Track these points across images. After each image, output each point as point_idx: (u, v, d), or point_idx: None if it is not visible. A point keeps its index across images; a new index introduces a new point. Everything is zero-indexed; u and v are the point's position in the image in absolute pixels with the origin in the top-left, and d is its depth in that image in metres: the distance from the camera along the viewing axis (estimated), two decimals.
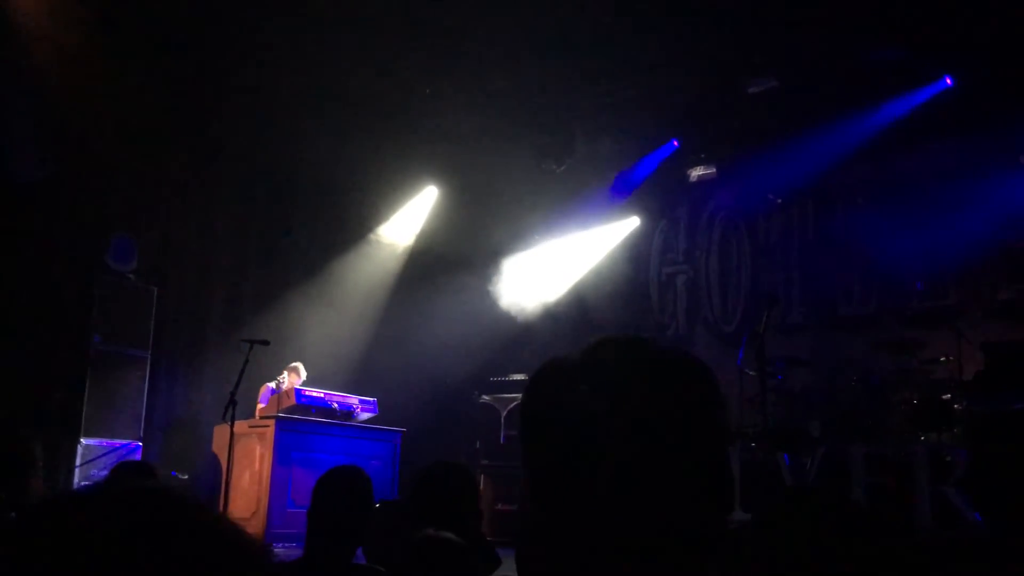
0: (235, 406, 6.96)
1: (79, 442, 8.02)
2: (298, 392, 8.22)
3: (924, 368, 7.87)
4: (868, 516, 1.58)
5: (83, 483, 7.66)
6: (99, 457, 8.07)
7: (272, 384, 8.68)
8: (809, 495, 1.75)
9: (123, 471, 3.42)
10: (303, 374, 8.79)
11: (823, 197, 9.98)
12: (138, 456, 8.23)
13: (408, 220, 11.49)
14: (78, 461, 7.96)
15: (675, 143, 10.57)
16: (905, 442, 7.41)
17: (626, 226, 11.26)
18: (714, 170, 10.69)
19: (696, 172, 10.83)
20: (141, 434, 8.56)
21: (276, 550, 6.75)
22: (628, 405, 0.94)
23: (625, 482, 0.91)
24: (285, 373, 8.69)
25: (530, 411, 1.01)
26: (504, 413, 9.72)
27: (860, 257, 9.44)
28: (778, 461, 7.51)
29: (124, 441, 8.33)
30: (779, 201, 10.21)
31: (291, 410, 8.14)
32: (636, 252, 11.31)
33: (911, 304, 9.16)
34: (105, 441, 8.20)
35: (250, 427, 7.98)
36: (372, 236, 11.32)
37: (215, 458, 8.11)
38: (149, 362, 8.78)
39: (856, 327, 9.48)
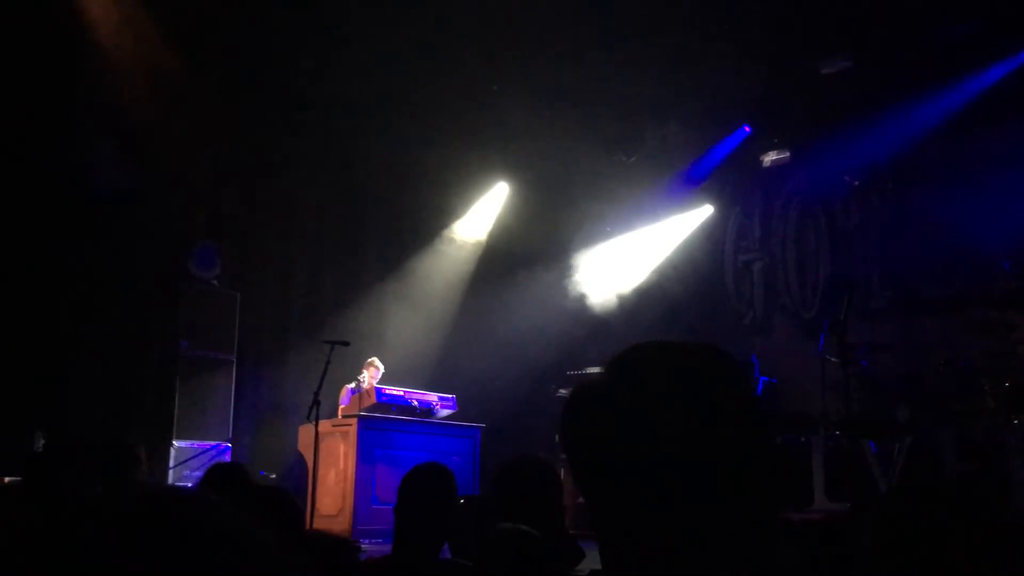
0: (319, 406, 7.11)
1: (171, 444, 8.30)
2: (378, 391, 8.35)
3: (1015, 349, 7.61)
4: (967, 503, 1.55)
5: (177, 484, 7.92)
6: (191, 459, 8.33)
7: (352, 385, 8.84)
8: (911, 485, 1.72)
9: (217, 472, 3.54)
10: (381, 367, 8.93)
11: (902, 177, 9.71)
12: (227, 457, 8.47)
13: (481, 217, 11.57)
14: (171, 463, 8.24)
15: (747, 128, 10.41)
16: (997, 426, 7.18)
17: (699, 215, 11.14)
18: (788, 154, 10.50)
19: (769, 157, 10.65)
20: (230, 435, 8.81)
21: (364, 546, 6.87)
22: (658, 409, 0.95)
23: (669, 486, 0.93)
24: (364, 371, 8.85)
25: (568, 433, 1.03)
26: None
27: (943, 238, 9.17)
28: (864, 449, 7.36)
29: (214, 443, 8.59)
30: (856, 183, 9.97)
31: (372, 408, 8.28)
32: (711, 240, 11.18)
33: (998, 284, 8.85)
34: (196, 443, 8.47)
35: (333, 426, 8.14)
36: (446, 234, 11.42)
37: (301, 457, 8.31)
38: (235, 365, 9.03)
39: (941, 310, 9.21)
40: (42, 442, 6.72)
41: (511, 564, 2.14)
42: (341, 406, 8.72)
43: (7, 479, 5.61)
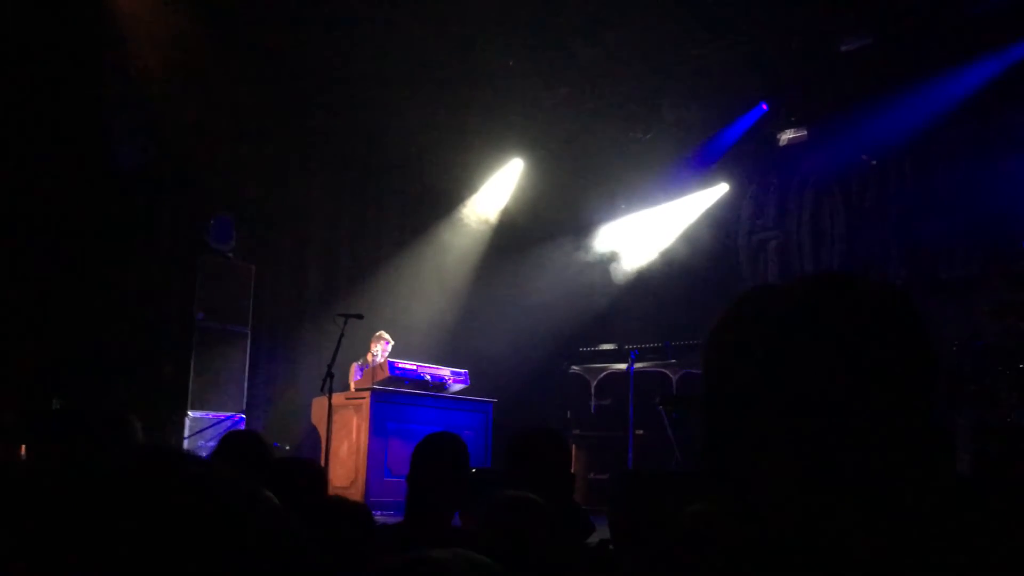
0: (332, 378, 7.14)
1: (186, 415, 8.37)
2: (391, 365, 8.39)
3: None
4: (973, 485, 1.51)
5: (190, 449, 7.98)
6: (205, 429, 8.40)
7: (359, 362, 8.88)
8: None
9: (232, 439, 3.56)
10: (390, 340, 8.96)
11: (921, 157, 9.62)
12: (242, 427, 8.53)
13: (495, 192, 11.55)
14: (186, 433, 8.31)
15: (764, 106, 10.33)
16: (1013, 408, 7.14)
17: (714, 193, 11.08)
18: (805, 133, 10.41)
19: (786, 135, 10.56)
20: (244, 407, 8.87)
21: (376, 517, 6.92)
22: (831, 337, 0.87)
23: (815, 421, 0.85)
24: (373, 345, 8.88)
25: (723, 332, 0.94)
26: (594, 383, 9.74)
27: (961, 218, 9.08)
28: None
29: (228, 413, 8.66)
30: (873, 162, 9.88)
31: (385, 382, 8.32)
32: (725, 218, 11.12)
33: (1019, 264, 8.78)
34: (211, 413, 8.53)
35: (347, 399, 8.18)
36: (460, 209, 11.42)
37: (314, 429, 8.36)
38: (249, 337, 9.07)
39: (959, 290, 9.14)
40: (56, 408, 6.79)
41: (513, 529, 2.14)
42: (353, 381, 8.76)
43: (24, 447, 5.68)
